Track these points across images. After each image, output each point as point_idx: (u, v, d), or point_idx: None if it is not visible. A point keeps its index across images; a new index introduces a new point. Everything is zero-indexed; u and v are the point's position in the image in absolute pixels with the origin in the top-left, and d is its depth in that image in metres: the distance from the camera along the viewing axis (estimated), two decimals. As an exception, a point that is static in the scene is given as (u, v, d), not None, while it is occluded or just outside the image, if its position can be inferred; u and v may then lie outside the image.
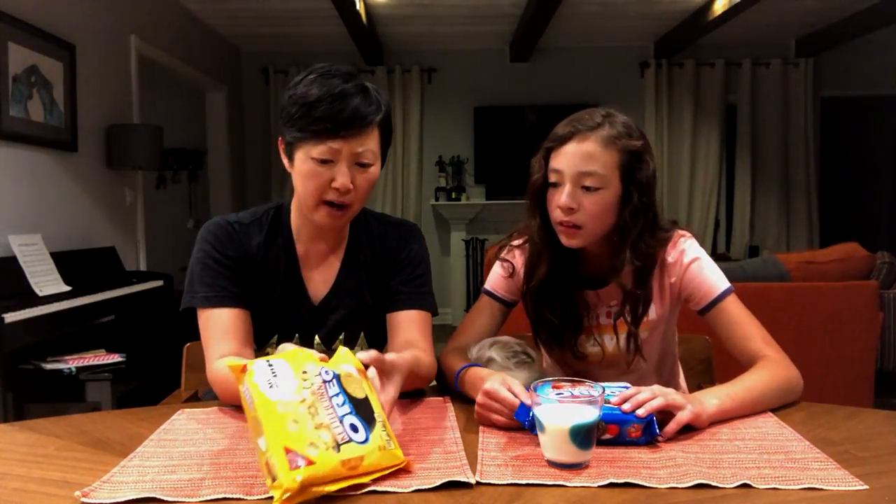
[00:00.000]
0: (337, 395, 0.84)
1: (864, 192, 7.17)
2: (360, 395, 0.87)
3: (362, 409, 0.85)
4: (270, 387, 0.82)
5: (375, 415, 0.86)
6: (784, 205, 6.00)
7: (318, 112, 1.10)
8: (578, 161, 1.19)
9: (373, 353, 0.94)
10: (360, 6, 4.54)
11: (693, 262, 1.26)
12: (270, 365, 0.85)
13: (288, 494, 0.74)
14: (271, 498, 0.76)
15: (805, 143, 5.95)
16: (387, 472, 0.82)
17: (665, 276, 1.28)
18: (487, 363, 1.20)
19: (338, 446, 0.79)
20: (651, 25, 5.48)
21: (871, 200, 7.20)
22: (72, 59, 3.34)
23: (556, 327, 1.32)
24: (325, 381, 0.85)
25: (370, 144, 1.15)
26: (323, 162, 1.13)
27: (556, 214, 1.22)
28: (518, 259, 1.38)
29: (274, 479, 0.76)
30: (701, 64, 5.95)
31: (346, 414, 0.82)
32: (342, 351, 0.93)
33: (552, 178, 1.22)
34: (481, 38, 5.76)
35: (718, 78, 5.93)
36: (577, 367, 1.36)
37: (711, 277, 1.25)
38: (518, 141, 5.92)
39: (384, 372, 0.95)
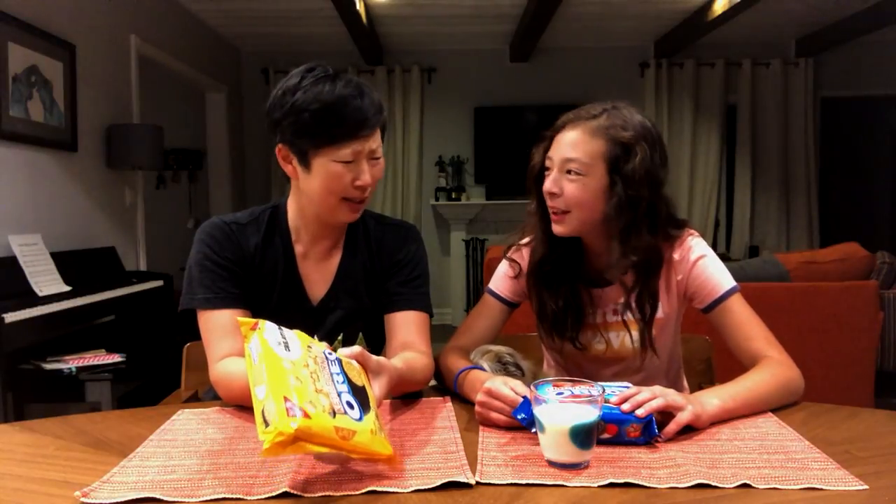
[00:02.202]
0: (338, 373, 0.87)
1: (864, 192, 7.17)
2: (358, 382, 0.89)
3: (359, 394, 0.87)
4: (278, 345, 0.85)
5: (371, 403, 0.87)
6: (784, 205, 6.01)
7: (332, 119, 1.13)
8: (564, 148, 1.22)
9: (356, 348, 0.95)
10: (360, 6, 4.54)
11: (699, 259, 1.26)
12: (281, 330, 0.89)
13: (281, 439, 0.73)
14: (271, 498, 0.76)
15: (805, 143, 5.95)
16: (375, 458, 0.82)
17: (672, 274, 1.28)
18: None
19: (333, 413, 0.79)
20: (651, 25, 5.49)
21: (871, 200, 7.20)
22: (72, 59, 3.34)
23: (557, 315, 1.32)
24: (327, 359, 0.89)
25: (378, 139, 1.20)
26: (348, 163, 1.16)
27: (546, 199, 1.26)
28: (525, 258, 1.38)
29: (267, 425, 0.75)
30: (701, 64, 5.95)
31: (344, 392, 0.85)
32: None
33: (547, 164, 1.26)
34: (481, 38, 5.76)
35: (718, 78, 5.94)
36: (580, 362, 1.37)
37: (717, 275, 1.25)
38: (518, 141, 5.90)
39: (370, 370, 0.95)
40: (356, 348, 0.95)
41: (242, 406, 1.10)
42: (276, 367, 0.81)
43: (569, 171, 1.21)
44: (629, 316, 1.29)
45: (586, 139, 1.21)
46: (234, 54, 5.94)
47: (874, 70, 5.91)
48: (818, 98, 6.03)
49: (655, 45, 5.94)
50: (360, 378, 0.91)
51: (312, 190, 1.19)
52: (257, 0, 4.74)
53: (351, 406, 0.83)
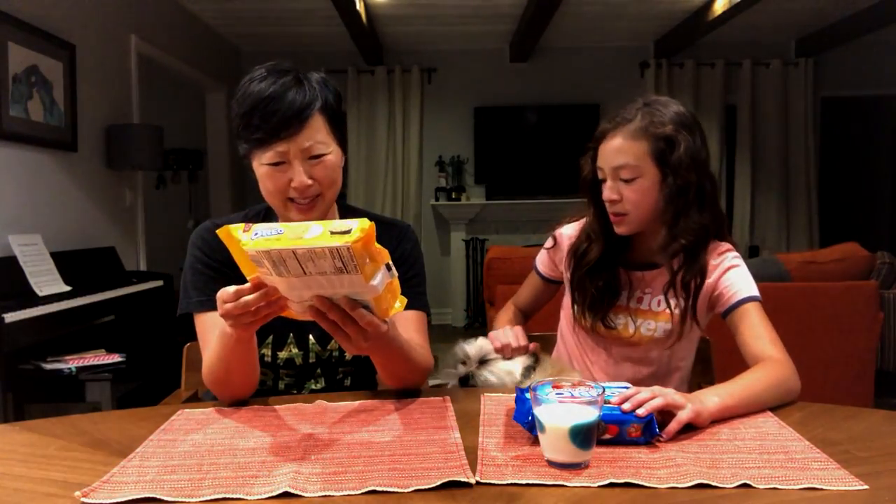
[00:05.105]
0: None
1: (864, 192, 7.18)
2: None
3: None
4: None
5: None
6: (784, 205, 6.01)
7: (254, 121, 1.11)
8: (611, 156, 1.29)
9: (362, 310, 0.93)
10: (360, 6, 4.54)
11: (732, 267, 1.31)
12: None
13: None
14: (271, 498, 0.76)
15: (805, 143, 5.95)
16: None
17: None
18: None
19: None
20: (651, 25, 5.49)
21: (871, 200, 7.20)
22: (72, 59, 3.34)
23: (595, 296, 1.39)
24: None
25: (317, 135, 1.14)
26: (276, 164, 1.13)
27: (607, 206, 1.32)
28: (565, 230, 1.47)
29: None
30: (701, 64, 5.95)
31: None
32: None
33: (599, 174, 1.33)
34: (481, 38, 5.76)
35: (718, 78, 5.94)
36: (595, 344, 1.44)
37: (742, 282, 1.29)
38: (518, 141, 5.92)
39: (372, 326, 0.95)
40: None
41: (242, 405, 1.11)
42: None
43: (622, 178, 1.28)
44: (650, 305, 1.36)
45: (630, 143, 1.27)
46: (234, 54, 5.94)
47: (874, 70, 5.92)
48: (818, 98, 6.03)
49: (655, 45, 5.94)
50: None
51: (262, 192, 1.19)
52: (257, 0, 4.74)
53: None
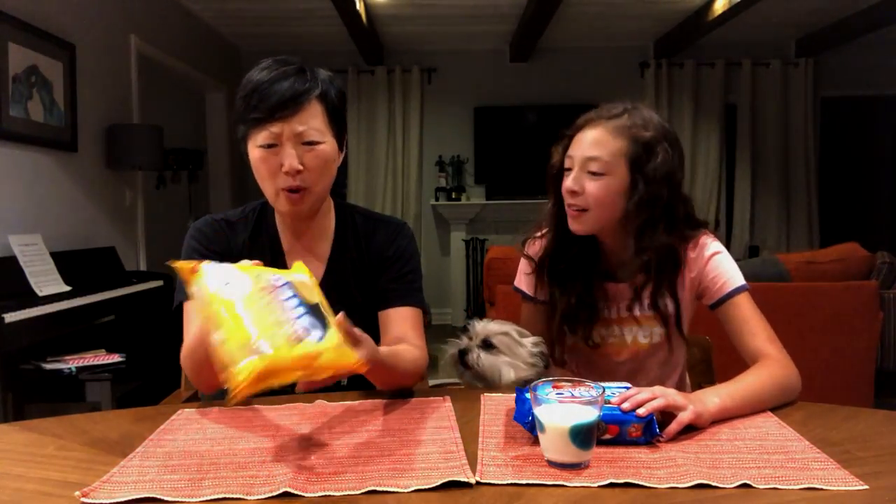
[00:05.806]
0: (290, 298, 0.87)
1: (864, 192, 7.17)
2: (312, 300, 0.89)
3: (315, 312, 0.87)
4: (226, 284, 0.86)
5: (328, 320, 0.87)
6: (784, 205, 6.01)
7: (252, 101, 1.13)
8: (585, 146, 1.23)
9: (340, 315, 0.91)
10: (360, 6, 4.54)
11: (713, 255, 1.28)
12: (221, 267, 0.90)
13: (248, 381, 0.76)
14: (271, 498, 0.76)
15: (805, 143, 5.95)
16: (343, 371, 0.84)
17: (686, 272, 1.30)
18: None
19: (294, 342, 0.80)
20: (651, 25, 5.49)
21: (871, 200, 7.20)
22: (72, 59, 3.34)
23: (570, 311, 1.33)
24: (276, 286, 0.88)
25: (313, 122, 1.15)
26: (269, 147, 1.14)
27: (566, 198, 1.26)
28: (536, 248, 1.40)
29: (231, 368, 0.78)
30: (701, 64, 5.95)
31: (301, 315, 0.85)
32: (296, 265, 0.97)
33: (567, 163, 1.27)
34: (481, 38, 5.76)
35: (718, 78, 5.94)
36: (592, 359, 1.38)
37: (728, 272, 1.26)
38: (518, 141, 5.92)
39: (350, 337, 0.92)
40: (339, 315, 0.92)
41: (242, 406, 1.10)
42: (229, 311, 0.83)
43: (590, 170, 1.22)
44: (640, 311, 1.31)
45: (608, 138, 1.22)
46: (234, 54, 5.94)
47: (874, 70, 5.91)
48: (818, 98, 6.03)
49: (655, 45, 5.94)
50: (313, 296, 0.90)
51: (257, 180, 1.19)
52: (257, 0, 4.74)
53: (311, 328, 0.83)
